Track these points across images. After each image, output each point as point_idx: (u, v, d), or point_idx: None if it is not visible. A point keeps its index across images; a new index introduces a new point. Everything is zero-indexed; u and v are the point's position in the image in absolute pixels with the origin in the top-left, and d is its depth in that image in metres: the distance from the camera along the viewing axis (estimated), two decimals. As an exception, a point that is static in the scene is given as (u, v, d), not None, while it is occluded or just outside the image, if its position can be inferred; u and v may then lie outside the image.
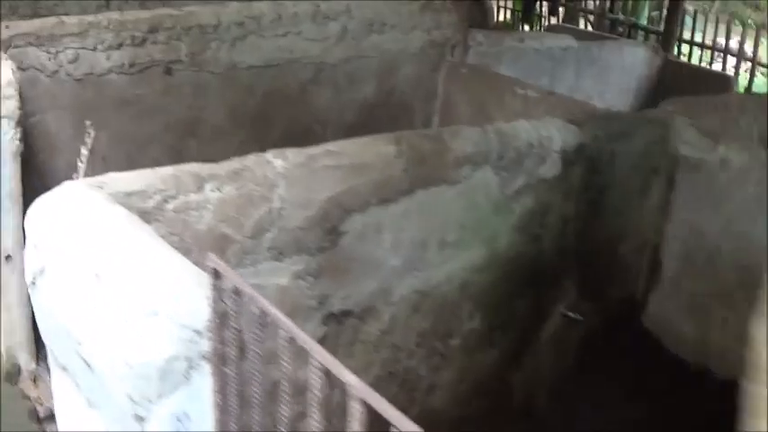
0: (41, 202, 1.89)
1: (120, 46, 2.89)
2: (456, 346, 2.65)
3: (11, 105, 2.49)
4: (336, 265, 2.26)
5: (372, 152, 2.25)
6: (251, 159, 2.11)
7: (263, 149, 3.31)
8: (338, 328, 2.35)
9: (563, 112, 3.16)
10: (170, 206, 1.96)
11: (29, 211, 1.88)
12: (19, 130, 2.52)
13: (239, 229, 2.05)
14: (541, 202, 2.67)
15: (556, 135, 2.64)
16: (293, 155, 2.15)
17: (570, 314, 2.89)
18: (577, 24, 6.46)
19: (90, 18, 2.87)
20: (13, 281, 2.62)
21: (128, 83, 2.94)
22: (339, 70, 3.28)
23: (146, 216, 1.92)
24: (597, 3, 7.19)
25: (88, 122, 2.50)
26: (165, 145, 3.06)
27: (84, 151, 2.44)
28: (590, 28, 6.83)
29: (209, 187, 2.02)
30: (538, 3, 6.97)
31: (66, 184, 1.92)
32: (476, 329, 2.68)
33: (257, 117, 3.19)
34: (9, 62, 2.54)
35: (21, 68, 2.67)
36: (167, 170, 1.99)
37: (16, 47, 2.77)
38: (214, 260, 1.47)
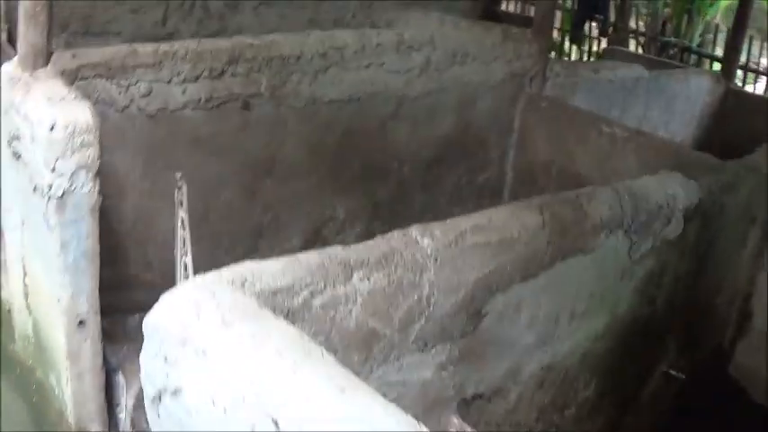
0: (169, 302, 1.46)
1: (196, 79, 2.43)
2: (570, 416, 2.31)
3: (90, 154, 2.02)
4: (474, 349, 1.90)
5: (518, 224, 1.88)
6: (397, 239, 1.71)
7: (339, 188, 2.91)
8: (464, 410, 1.99)
9: (654, 154, 2.82)
10: (317, 302, 1.56)
11: (152, 313, 1.45)
12: (98, 181, 2.05)
13: (388, 323, 1.67)
14: (661, 262, 2.34)
15: (680, 193, 2.30)
16: (441, 232, 1.76)
17: (673, 373, 2.58)
18: (627, 46, 6.08)
19: (165, 47, 2.40)
20: (86, 348, 2.17)
21: (203, 119, 2.48)
22: (419, 104, 2.87)
23: (293, 316, 1.52)
24: (648, 24, 6.77)
25: (178, 174, 2.04)
26: (239, 185, 2.62)
27: (181, 214, 1.98)
28: (641, 50, 6.41)
29: (357, 276, 1.62)
30: (587, 23, 6.54)
31: (199, 280, 1.50)
32: (589, 398, 2.35)
33: (335, 154, 2.77)
34: (87, 103, 2.05)
35: (89, 104, 2.19)
36: (313, 258, 1.59)
37: (84, 78, 2.29)
38: (459, 425, 1.10)
